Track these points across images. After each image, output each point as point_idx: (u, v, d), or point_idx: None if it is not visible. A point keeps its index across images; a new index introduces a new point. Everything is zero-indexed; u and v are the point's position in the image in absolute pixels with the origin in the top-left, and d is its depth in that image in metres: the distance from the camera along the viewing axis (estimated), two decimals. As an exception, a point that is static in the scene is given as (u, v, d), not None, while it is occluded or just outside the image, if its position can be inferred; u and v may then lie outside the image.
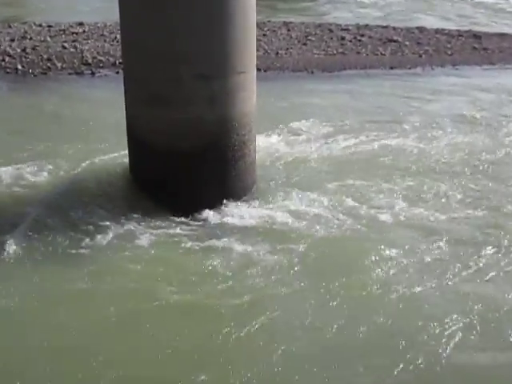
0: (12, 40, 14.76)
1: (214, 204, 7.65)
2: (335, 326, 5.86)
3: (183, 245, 7.01)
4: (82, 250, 6.86)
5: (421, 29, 16.75)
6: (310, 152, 9.32)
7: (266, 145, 9.35)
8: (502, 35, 16.37)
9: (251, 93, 7.87)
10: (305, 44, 15.33)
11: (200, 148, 7.54)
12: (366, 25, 16.93)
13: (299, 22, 16.82)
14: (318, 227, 7.37)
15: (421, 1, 20.25)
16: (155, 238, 7.07)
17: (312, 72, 13.69)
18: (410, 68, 14.18)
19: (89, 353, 5.50)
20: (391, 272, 6.64)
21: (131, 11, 7.50)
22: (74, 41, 14.93)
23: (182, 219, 7.45)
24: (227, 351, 5.60)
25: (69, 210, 7.58)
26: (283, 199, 7.94)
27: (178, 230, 7.26)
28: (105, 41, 15.15)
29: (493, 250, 7.11)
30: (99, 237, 7.04)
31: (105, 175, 8.40)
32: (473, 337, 5.83)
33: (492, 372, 5.57)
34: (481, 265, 6.85)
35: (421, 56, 14.89)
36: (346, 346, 5.71)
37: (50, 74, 13.11)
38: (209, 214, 7.53)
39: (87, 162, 8.71)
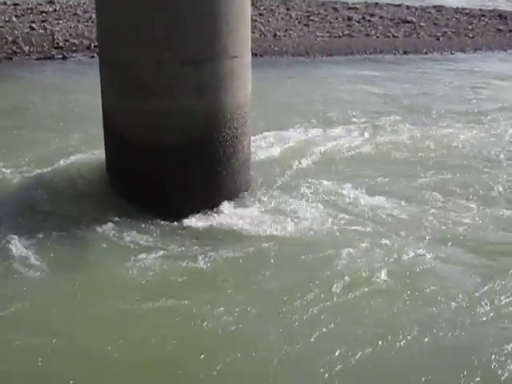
0: (-28, 20, 14.79)
1: (203, 206, 7.58)
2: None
3: (166, 252, 6.94)
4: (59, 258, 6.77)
5: (438, 8, 16.77)
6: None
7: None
8: (531, 15, 16.45)
9: (245, 81, 7.78)
10: (306, 25, 15.32)
11: (187, 143, 7.46)
12: (376, 3, 16.95)
13: (300, 0, 16.81)
14: (317, 229, 7.34)
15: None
16: (133, 246, 6.99)
17: (314, 56, 13.68)
18: (426, 53, 14.16)
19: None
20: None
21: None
22: (43, 21, 14.89)
23: (167, 223, 7.36)
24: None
25: (36, 215, 7.48)
26: (281, 201, 7.88)
27: (161, 236, 7.16)
28: (78, 21, 15.11)
29: None
30: (70, 244, 6.96)
31: (77, 175, 8.32)
32: None
33: None
34: None
35: (438, 39, 14.86)
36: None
37: (16, 58, 13.09)
38: (196, 218, 7.47)
39: (57, 161, 8.64)
